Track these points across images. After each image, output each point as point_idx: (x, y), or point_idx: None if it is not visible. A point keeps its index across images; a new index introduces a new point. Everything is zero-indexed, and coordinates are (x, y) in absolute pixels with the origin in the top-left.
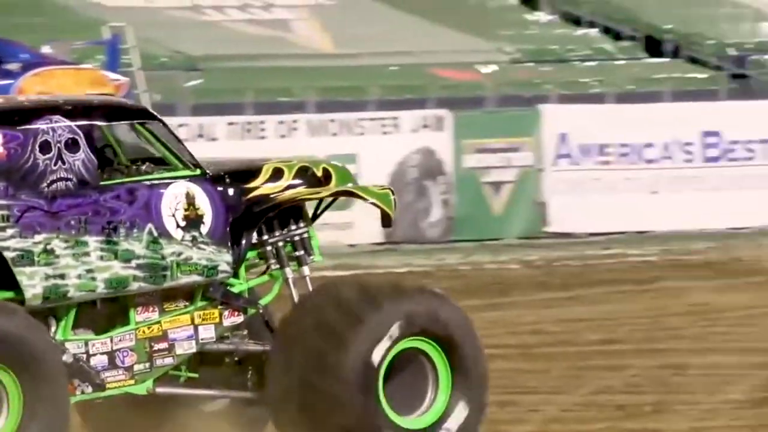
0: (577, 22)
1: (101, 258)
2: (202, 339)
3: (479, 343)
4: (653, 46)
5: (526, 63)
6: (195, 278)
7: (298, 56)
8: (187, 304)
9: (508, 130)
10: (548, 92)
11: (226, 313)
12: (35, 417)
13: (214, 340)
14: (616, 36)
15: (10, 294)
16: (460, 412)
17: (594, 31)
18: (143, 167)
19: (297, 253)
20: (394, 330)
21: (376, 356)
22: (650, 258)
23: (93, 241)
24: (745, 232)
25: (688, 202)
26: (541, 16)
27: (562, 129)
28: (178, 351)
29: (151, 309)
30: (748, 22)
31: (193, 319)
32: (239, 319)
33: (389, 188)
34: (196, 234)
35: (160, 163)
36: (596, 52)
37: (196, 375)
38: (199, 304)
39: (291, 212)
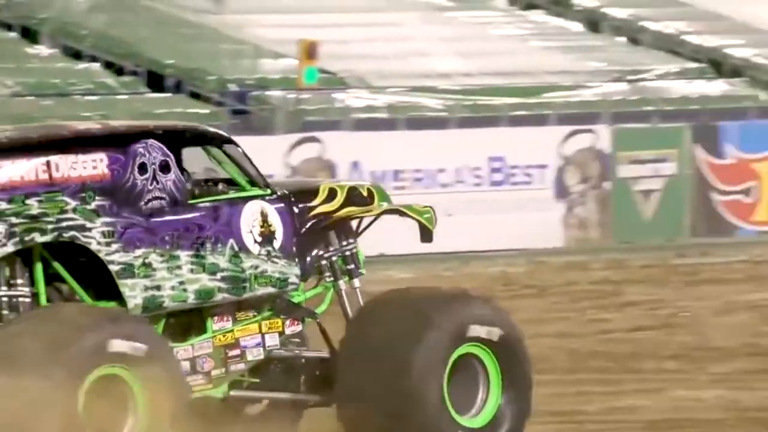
0: (78, 56)
1: (191, 271)
2: (268, 346)
3: (527, 348)
4: (156, 81)
5: (27, 96)
6: (269, 290)
7: None
8: (255, 313)
9: None
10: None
11: (287, 322)
12: (164, 411)
13: (278, 347)
14: (119, 71)
15: (113, 304)
16: (509, 415)
17: (96, 66)
18: (220, 187)
19: (348, 267)
20: (457, 336)
21: (443, 360)
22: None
23: (184, 255)
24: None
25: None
26: (42, 49)
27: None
28: (249, 357)
29: (225, 318)
30: (249, 58)
31: (260, 328)
32: (298, 328)
33: (429, 206)
34: (269, 249)
35: (229, 183)
36: (98, 87)
37: (257, 380)
38: (266, 313)
39: (342, 228)
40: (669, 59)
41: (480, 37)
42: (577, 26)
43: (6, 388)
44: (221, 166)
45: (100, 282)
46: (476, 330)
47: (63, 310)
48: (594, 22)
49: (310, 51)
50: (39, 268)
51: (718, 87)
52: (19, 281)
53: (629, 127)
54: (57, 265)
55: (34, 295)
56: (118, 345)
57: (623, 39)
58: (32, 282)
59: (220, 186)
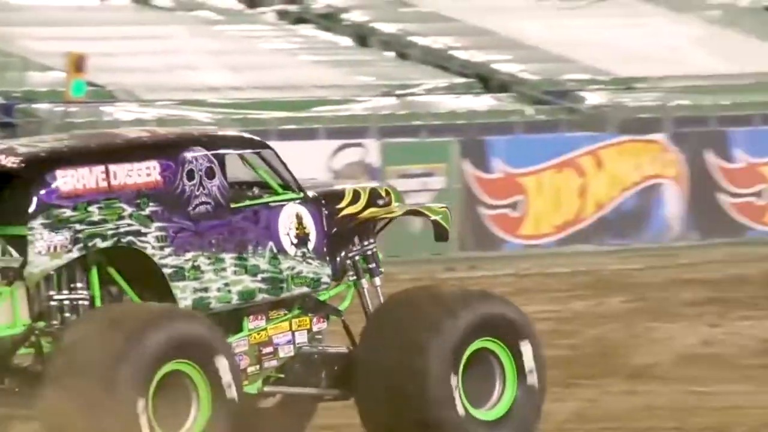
0: None
1: (235, 273)
2: (298, 343)
3: (541, 345)
4: None
5: None
6: (304, 290)
7: None
8: (286, 312)
9: None
10: None
11: (315, 319)
12: (222, 409)
13: (307, 344)
14: None
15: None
16: (524, 408)
17: None
18: (256, 191)
19: (369, 266)
20: (470, 331)
21: (457, 354)
22: None
23: (228, 258)
24: None
25: None
26: None
27: None
28: (281, 354)
29: (259, 317)
30: (16, 71)
31: (291, 326)
32: (324, 325)
33: (446, 207)
34: (304, 250)
35: (262, 186)
36: None
37: (282, 375)
38: (296, 312)
39: (364, 229)
40: (437, 74)
41: (249, 50)
42: (347, 41)
43: (77, 389)
44: (255, 170)
45: (147, 285)
46: (483, 328)
47: (126, 309)
48: (363, 36)
49: (77, 64)
50: (95, 272)
51: (485, 102)
52: (79, 285)
53: (398, 141)
54: (111, 270)
55: (91, 299)
56: (182, 341)
57: (392, 54)
58: (88, 285)
59: (255, 189)
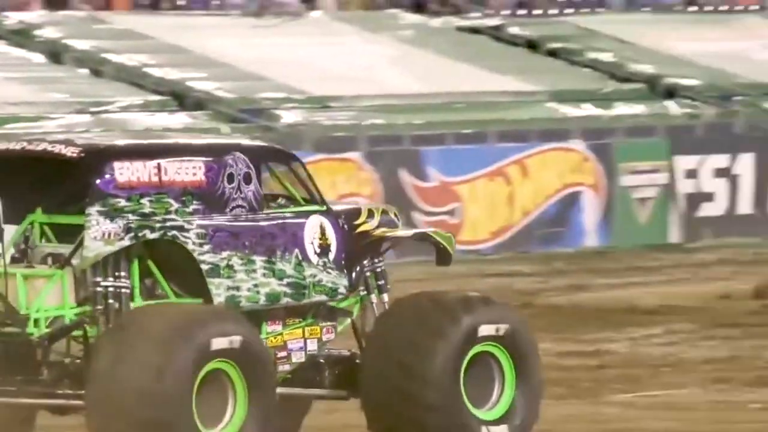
0: None
1: (264, 275)
2: (309, 350)
3: (538, 348)
4: None
5: None
6: (323, 297)
7: None
8: (300, 320)
9: None
10: None
11: (324, 330)
12: (258, 407)
13: (316, 352)
14: None
15: (199, 301)
16: (522, 409)
17: None
18: (282, 201)
19: (379, 282)
20: (472, 334)
21: (460, 357)
22: None
23: (259, 261)
24: None
25: None
26: None
27: None
28: (293, 359)
29: (276, 322)
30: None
31: (303, 333)
32: (332, 336)
33: (450, 233)
34: (326, 260)
35: (287, 197)
36: None
37: (289, 376)
38: (309, 320)
39: (375, 246)
40: (132, 91)
41: None
42: (39, 57)
43: (129, 379)
44: (281, 181)
45: (179, 279)
46: (487, 329)
47: (170, 309)
48: (56, 53)
49: None
50: (136, 263)
51: (180, 119)
52: (123, 274)
53: None
54: (150, 262)
55: (131, 289)
56: (223, 342)
57: (86, 71)
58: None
59: (281, 200)
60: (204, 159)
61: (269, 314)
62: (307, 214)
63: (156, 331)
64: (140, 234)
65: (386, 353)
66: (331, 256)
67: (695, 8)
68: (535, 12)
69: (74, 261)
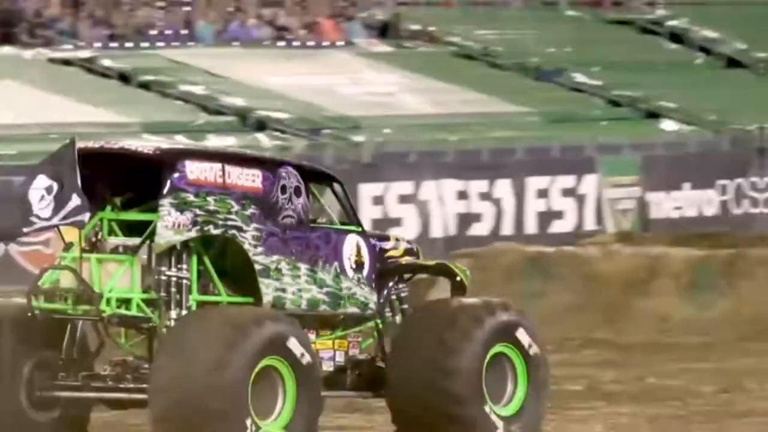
0: None
1: (306, 282)
2: (336, 362)
3: (546, 350)
4: None
5: None
6: (356, 310)
7: None
8: (330, 332)
9: None
10: None
11: (351, 344)
12: (306, 403)
13: (343, 365)
14: None
15: (249, 299)
16: (532, 406)
17: None
18: (322, 219)
19: (402, 306)
20: (493, 335)
21: (483, 356)
22: None
23: (303, 268)
24: None
25: None
26: None
27: None
28: (323, 368)
29: (310, 331)
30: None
31: (333, 345)
32: (356, 351)
33: (466, 268)
34: (360, 276)
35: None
36: None
37: None
38: (338, 333)
39: (401, 273)
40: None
41: None
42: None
43: (191, 372)
44: (318, 200)
45: (230, 278)
46: (505, 332)
47: (230, 310)
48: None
49: None
50: (195, 258)
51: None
52: (185, 266)
53: None
54: (206, 258)
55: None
56: (277, 341)
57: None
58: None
59: (320, 218)
60: (261, 169)
61: (305, 322)
62: (346, 233)
63: (217, 328)
64: (206, 228)
65: (416, 352)
66: (365, 273)
67: (284, 43)
68: (127, 45)
69: (141, 254)
